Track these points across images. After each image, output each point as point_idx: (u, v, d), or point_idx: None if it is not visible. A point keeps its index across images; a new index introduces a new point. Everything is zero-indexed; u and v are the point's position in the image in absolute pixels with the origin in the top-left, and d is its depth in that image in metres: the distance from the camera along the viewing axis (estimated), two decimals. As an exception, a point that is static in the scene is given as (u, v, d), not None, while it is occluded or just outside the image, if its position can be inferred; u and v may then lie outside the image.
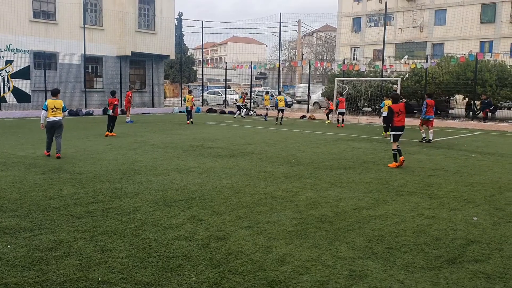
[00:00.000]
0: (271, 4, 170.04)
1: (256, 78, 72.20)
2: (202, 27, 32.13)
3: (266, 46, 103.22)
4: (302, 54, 71.26)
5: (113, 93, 16.93)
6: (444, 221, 6.14)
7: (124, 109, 23.06)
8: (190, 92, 23.73)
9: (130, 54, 29.33)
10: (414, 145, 14.65)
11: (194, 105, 22.98)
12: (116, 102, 16.04)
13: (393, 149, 10.58)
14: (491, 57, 26.24)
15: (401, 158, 10.35)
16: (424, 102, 15.75)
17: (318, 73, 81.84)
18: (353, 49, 51.53)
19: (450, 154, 12.68)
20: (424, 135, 15.63)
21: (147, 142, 14.04)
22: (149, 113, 28.81)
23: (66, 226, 5.57)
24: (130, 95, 22.27)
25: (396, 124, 10.44)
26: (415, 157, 12.06)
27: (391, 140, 10.60)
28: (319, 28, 74.73)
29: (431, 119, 15.49)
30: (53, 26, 26.84)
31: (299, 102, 46.08)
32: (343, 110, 22.32)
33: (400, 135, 10.56)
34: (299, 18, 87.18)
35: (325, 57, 79.76)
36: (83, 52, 27.34)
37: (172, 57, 32.86)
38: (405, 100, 16.80)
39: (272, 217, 6.14)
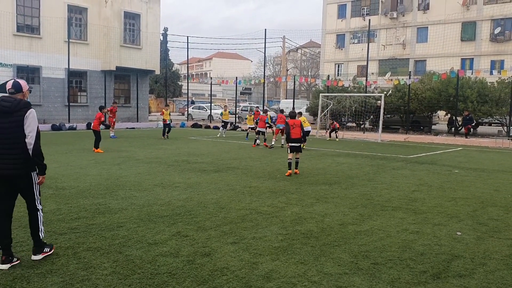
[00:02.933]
0: (257, 20, 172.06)
1: (241, 93, 72.41)
2: (187, 42, 32.33)
3: (251, 61, 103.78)
4: (287, 70, 71.85)
5: (100, 108, 17.12)
6: (429, 236, 6.18)
7: (108, 123, 22.85)
8: (167, 105, 23.95)
9: (115, 69, 29.25)
10: (398, 161, 14.80)
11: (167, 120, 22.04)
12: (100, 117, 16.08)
13: (288, 159, 11.48)
14: (471, 74, 26.74)
15: (294, 171, 11.36)
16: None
17: (303, 89, 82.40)
18: (337, 65, 52.15)
19: (433, 170, 12.82)
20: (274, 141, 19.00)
21: (132, 157, 13.94)
22: (133, 128, 28.65)
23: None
24: (115, 110, 22.24)
25: (292, 136, 11.39)
26: (399, 172, 12.17)
27: (288, 151, 11.53)
28: (304, 44, 75.47)
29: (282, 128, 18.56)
30: (37, 40, 26.68)
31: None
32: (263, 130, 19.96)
33: (295, 146, 11.42)
34: (284, 34, 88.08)
35: (309, 73, 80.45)
36: (67, 67, 27.19)
37: (157, 72, 32.87)
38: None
39: (258, 232, 6.12)
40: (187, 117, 37.66)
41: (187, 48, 32.73)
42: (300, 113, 20.51)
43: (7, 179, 4.70)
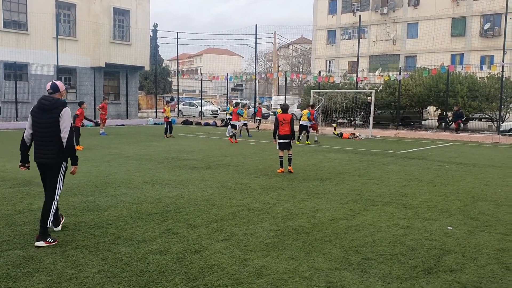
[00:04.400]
0: (248, 17, 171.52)
1: (233, 89, 72.25)
2: (177, 38, 32.06)
3: (242, 57, 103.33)
4: (278, 66, 71.80)
5: (79, 104, 16.43)
6: (419, 231, 6.17)
7: (99, 121, 22.61)
8: (167, 102, 22.37)
9: (104, 65, 29.03)
10: (389, 156, 14.82)
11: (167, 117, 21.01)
12: (77, 112, 15.50)
13: (280, 156, 11.17)
14: (462, 69, 26.84)
15: (288, 168, 10.98)
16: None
17: (294, 85, 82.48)
18: (328, 61, 52.17)
19: (423, 165, 12.85)
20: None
21: (121, 154, 13.82)
22: (123, 125, 28.45)
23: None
24: (106, 106, 21.98)
25: (280, 133, 10.99)
26: (389, 167, 12.19)
27: (277, 148, 11.16)
28: (295, 40, 75.39)
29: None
30: (24, 36, 26.38)
31: (275, 114, 46.17)
32: (236, 123, 19.87)
33: (284, 143, 10.98)
34: (274, 30, 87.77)
35: (301, 69, 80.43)
36: (55, 63, 26.90)
37: (147, 68, 32.68)
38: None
39: (249, 229, 6.07)
40: (178, 114, 37.46)
41: (177, 44, 32.54)
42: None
43: (43, 167, 5.53)
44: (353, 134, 22.18)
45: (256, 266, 4.74)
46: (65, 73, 28.57)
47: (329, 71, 48.52)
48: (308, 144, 18.59)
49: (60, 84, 5.63)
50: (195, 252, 5.13)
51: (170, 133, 20.56)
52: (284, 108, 11.42)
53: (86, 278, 4.32)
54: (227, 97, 32.76)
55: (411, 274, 4.61)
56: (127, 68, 30.64)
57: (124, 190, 8.43)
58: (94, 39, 28.82)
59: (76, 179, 9.39)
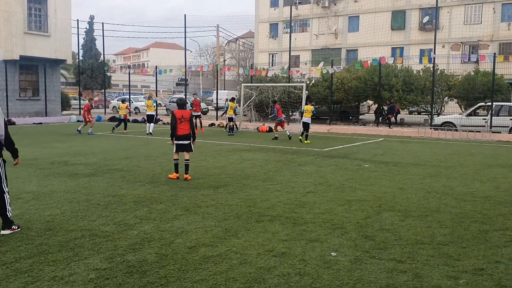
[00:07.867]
0: (202, 10, 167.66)
1: (177, 84, 69.97)
2: (103, 29, 29.90)
3: (191, 52, 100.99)
4: (224, 60, 70.13)
5: None
6: (294, 260, 4.85)
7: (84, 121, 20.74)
8: (123, 100, 22.97)
9: (18, 58, 26.38)
10: (310, 155, 13.65)
11: (130, 113, 21.89)
12: None
13: (174, 159, 9.69)
14: (393, 62, 26.13)
15: (184, 176, 9.40)
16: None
17: (241, 79, 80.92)
18: (271, 55, 51.07)
19: (342, 165, 11.72)
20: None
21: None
22: (40, 123, 26.03)
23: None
24: (89, 107, 20.71)
25: (178, 133, 9.43)
26: (303, 169, 10.95)
27: (174, 150, 9.67)
28: (243, 34, 73.88)
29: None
30: None
31: (218, 109, 44.55)
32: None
33: (183, 145, 9.48)
34: (217, 23, 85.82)
35: (248, 63, 79.01)
36: (-40, 56, 24.18)
37: (69, 61, 30.14)
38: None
39: (66, 269, 4.53)
40: (105, 110, 35.12)
41: (103, 36, 30.34)
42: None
43: None
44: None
45: None
46: (-27, 67, 25.81)
47: (272, 65, 47.39)
48: (308, 142, 17.18)
49: None
50: (-49, 315, 3.56)
51: (117, 127, 21.13)
52: (181, 103, 9.78)
53: None
54: (156, 92, 30.94)
55: None
56: (46, 61, 28.09)
57: (-48, 210, 6.67)
58: (6, 29, 26.10)
59: None
